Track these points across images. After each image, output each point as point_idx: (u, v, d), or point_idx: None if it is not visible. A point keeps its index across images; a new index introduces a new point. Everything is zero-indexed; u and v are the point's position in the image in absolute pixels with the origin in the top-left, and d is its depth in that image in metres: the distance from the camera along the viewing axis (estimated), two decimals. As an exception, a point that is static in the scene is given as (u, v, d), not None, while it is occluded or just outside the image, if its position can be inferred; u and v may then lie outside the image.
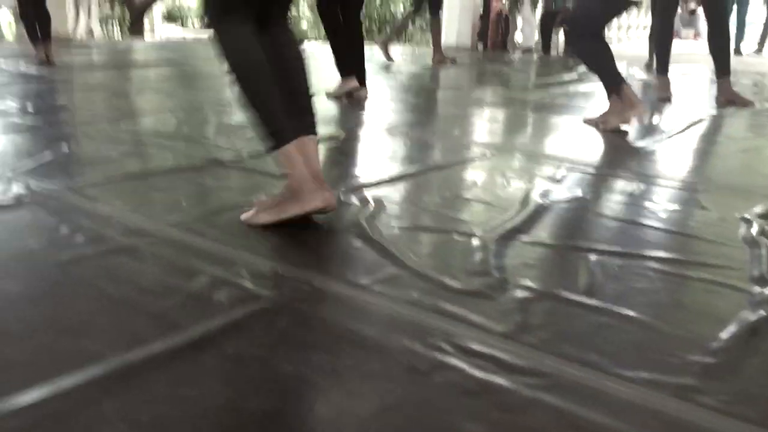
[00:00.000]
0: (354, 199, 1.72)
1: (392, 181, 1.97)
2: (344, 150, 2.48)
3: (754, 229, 1.62)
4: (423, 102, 3.98)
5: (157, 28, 12.40)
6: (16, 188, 1.67)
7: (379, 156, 2.36)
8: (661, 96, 3.97)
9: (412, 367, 0.97)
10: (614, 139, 2.83)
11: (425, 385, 0.93)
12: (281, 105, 1.47)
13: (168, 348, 0.97)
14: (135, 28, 10.47)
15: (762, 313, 1.18)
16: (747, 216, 1.73)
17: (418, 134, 2.79)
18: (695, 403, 0.91)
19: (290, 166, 1.47)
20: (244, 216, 1.53)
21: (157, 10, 12.73)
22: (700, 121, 3.33)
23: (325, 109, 3.21)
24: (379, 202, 1.71)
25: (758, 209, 1.79)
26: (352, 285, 1.22)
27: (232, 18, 1.46)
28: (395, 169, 2.11)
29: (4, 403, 0.83)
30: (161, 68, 4.68)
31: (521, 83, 5.23)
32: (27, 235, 1.39)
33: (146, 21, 11.47)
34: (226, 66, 1.47)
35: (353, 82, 3.56)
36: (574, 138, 2.84)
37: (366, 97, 3.57)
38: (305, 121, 1.54)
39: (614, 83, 3.00)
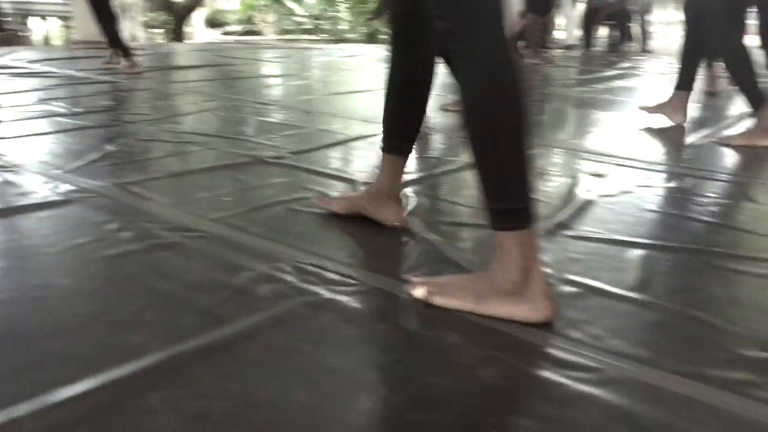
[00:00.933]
0: (396, 196, 1.71)
1: (433, 177, 1.96)
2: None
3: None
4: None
5: (199, 33, 12.63)
6: (65, 185, 1.70)
7: (420, 152, 2.35)
8: (709, 90, 3.88)
9: (459, 361, 0.95)
10: (661, 133, 2.77)
11: (472, 380, 0.91)
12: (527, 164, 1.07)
13: (214, 341, 0.98)
14: (177, 33, 10.68)
15: (821, 308, 1.14)
16: (802, 210, 1.67)
17: (458, 131, 2.76)
18: (751, 398, 0.88)
19: (521, 253, 1.06)
20: (419, 293, 1.13)
21: (199, 16, 12.96)
22: (749, 114, 3.24)
23: (363, 108, 3.21)
24: (420, 198, 1.70)
25: (814, 203, 1.73)
26: (396, 279, 1.21)
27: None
28: (436, 165, 2.10)
29: (57, 393, 0.84)
30: (202, 70, 4.73)
31: (563, 80, 5.15)
32: (76, 231, 1.41)
33: (188, 26, 11.66)
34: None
35: None
36: (617, 133, 2.78)
37: None
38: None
39: (689, 82, 2.95)
